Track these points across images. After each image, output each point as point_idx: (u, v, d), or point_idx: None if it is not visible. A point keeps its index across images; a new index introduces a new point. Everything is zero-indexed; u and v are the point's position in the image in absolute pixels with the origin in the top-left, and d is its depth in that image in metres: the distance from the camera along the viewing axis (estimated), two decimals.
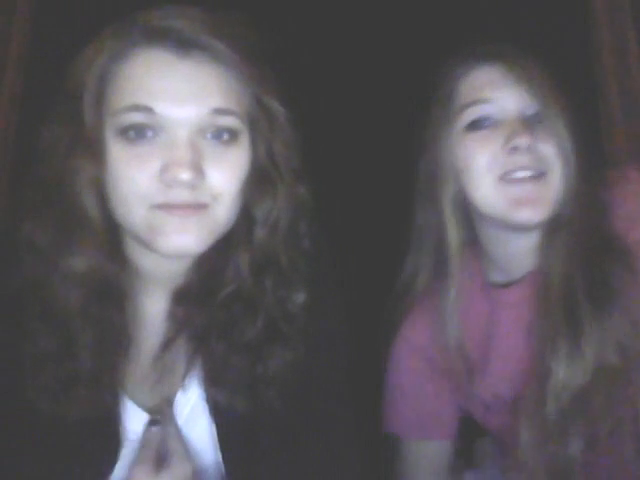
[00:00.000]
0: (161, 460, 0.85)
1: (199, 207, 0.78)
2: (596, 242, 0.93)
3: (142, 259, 0.85)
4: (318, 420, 0.89)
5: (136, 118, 0.76)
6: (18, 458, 0.81)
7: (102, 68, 0.78)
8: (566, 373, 0.90)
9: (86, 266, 0.79)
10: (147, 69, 0.77)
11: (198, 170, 0.76)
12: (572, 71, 0.99)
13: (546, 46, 1.00)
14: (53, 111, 0.81)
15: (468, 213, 1.02)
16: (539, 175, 0.93)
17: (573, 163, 0.92)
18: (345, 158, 1.69)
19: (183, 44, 0.77)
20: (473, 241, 1.05)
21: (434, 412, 1.10)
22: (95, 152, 0.77)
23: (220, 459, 0.90)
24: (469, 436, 1.17)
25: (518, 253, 1.01)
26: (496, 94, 0.96)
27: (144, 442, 0.86)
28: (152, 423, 0.87)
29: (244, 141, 0.82)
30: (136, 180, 0.76)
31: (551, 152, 0.93)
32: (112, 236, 0.82)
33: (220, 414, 0.88)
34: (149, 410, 0.88)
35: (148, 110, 0.76)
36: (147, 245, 0.79)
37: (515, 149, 0.92)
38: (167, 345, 0.87)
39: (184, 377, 0.89)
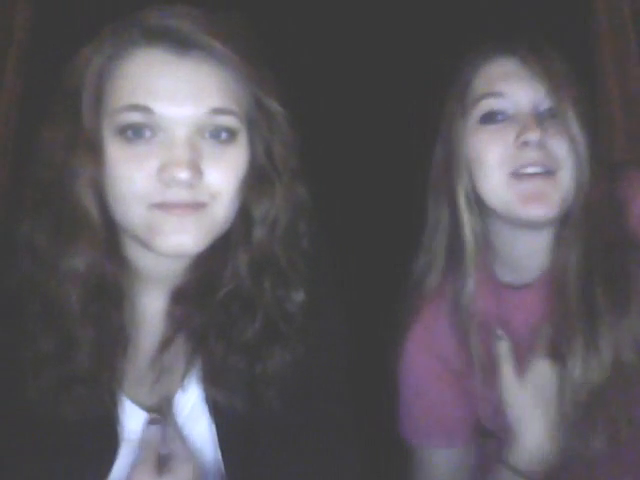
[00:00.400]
0: (162, 460, 0.85)
1: (197, 206, 0.78)
2: (611, 240, 0.93)
3: (140, 258, 0.85)
4: (317, 420, 0.89)
5: (134, 118, 0.76)
6: (17, 458, 0.81)
7: (101, 67, 0.78)
8: (583, 370, 0.89)
9: (85, 266, 0.79)
10: (146, 69, 0.77)
11: (196, 169, 0.76)
12: (572, 71, 0.98)
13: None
14: (52, 111, 0.81)
15: (480, 210, 1.01)
16: (549, 172, 0.93)
17: (585, 160, 0.92)
18: (345, 158, 1.69)
19: (182, 44, 0.77)
20: (484, 240, 1.04)
21: (454, 416, 1.06)
22: (93, 152, 0.77)
23: (220, 459, 0.90)
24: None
25: (529, 252, 1.00)
26: (510, 88, 0.95)
27: (144, 441, 0.86)
28: (152, 422, 0.87)
29: (242, 141, 0.82)
30: (134, 179, 0.76)
31: (563, 149, 0.93)
32: (111, 236, 0.82)
33: (220, 414, 0.88)
34: (148, 409, 0.89)
35: (146, 110, 0.76)
36: (145, 245, 0.80)
37: (526, 144, 0.92)
38: (165, 345, 0.87)
39: (183, 377, 0.89)
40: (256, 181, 0.83)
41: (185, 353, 0.89)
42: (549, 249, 0.99)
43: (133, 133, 0.77)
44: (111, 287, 0.82)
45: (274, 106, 0.84)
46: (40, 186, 0.80)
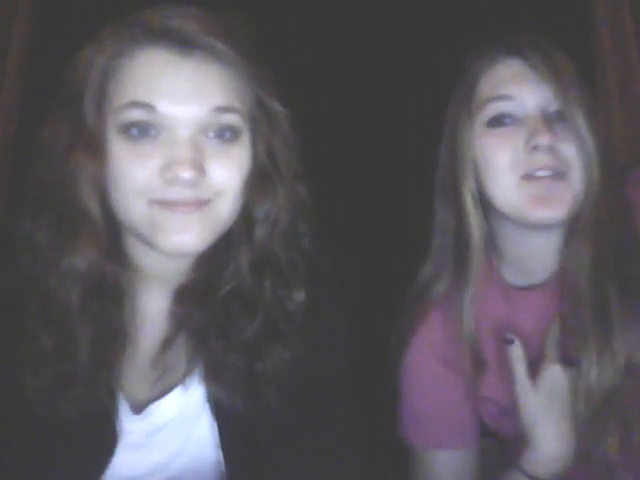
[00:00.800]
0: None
1: (201, 203, 0.78)
2: (621, 241, 0.92)
3: (143, 257, 0.86)
4: (317, 420, 0.89)
5: (137, 115, 0.77)
6: (15, 456, 0.81)
7: (103, 66, 0.78)
8: (597, 373, 0.88)
9: (85, 264, 0.79)
10: (149, 68, 0.78)
11: (199, 169, 0.77)
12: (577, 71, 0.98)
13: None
14: (53, 110, 0.81)
15: (486, 212, 1.00)
16: (560, 173, 0.92)
17: (595, 163, 0.91)
18: (345, 158, 1.69)
19: (184, 44, 0.78)
20: (491, 242, 1.03)
21: (458, 418, 1.05)
22: (96, 150, 0.77)
23: (221, 458, 0.90)
24: None
25: (538, 254, 0.99)
26: (517, 91, 0.94)
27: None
28: None
29: (245, 140, 0.82)
30: (136, 176, 0.76)
31: (572, 152, 0.92)
32: (112, 234, 0.82)
33: (222, 413, 0.88)
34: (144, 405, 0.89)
35: (149, 107, 0.76)
36: (148, 243, 0.80)
37: (536, 148, 0.91)
38: (167, 343, 0.88)
39: (185, 375, 0.89)
40: (258, 181, 0.84)
41: (186, 352, 0.89)
42: (558, 251, 0.98)
43: (138, 131, 0.77)
44: (111, 286, 0.82)
45: (276, 106, 0.84)
46: (42, 185, 0.80)
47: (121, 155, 0.77)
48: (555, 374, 0.93)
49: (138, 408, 0.88)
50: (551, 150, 0.91)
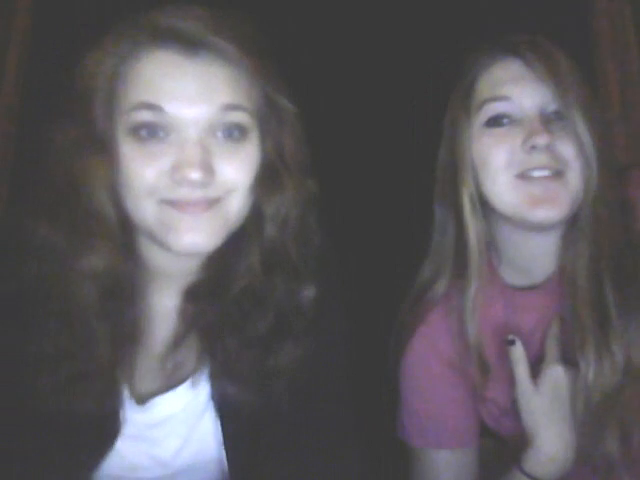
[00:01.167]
0: None
1: (211, 202, 0.79)
2: (620, 241, 0.92)
3: (154, 256, 0.86)
4: (320, 418, 0.89)
5: (146, 116, 0.77)
6: (19, 441, 0.82)
7: (112, 68, 0.79)
8: (596, 373, 0.88)
9: (101, 264, 0.80)
10: (156, 69, 0.78)
11: (208, 169, 0.77)
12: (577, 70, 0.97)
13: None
14: (63, 112, 0.82)
15: (486, 213, 1.00)
16: (557, 174, 0.92)
17: (593, 163, 0.90)
18: (345, 159, 1.69)
19: (191, 44, 0.78)
20: (490, 243, 1.03)
21: (457, 417, 1.05)
22: (106, 152, 0.78)
23: (223, 456, 0.90)
24: None
25: (537, 254, 0.99)
26: (515, 91, 0.94)
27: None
28: None
29: (254, 138, 0.83)
30: (146, 176, 0.77)
31: (570, 151, 0.91)
32: (125, 234, 0.83)
33: (226, 411, 0.89)
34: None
35: (158, 109, 0.77)
36: (159, 242, 0.81)
37: (534, 148, 0.91)
38: (178, 342, 0.88)
39: (193, 372, 0.89)
40: (267, 178, 0.84)
41: (196, 350, 0.89)
42: (557, 251, 0.98)
43: (147, 132, 0.78)
44: (126, 285, 0.83)
45: (284, 103, 0.85)
46: (55, 187, 0.81)
47: (131, 156, 0.78)
48: (556, 374, 0.93)
49: (142, 400, 0.88)
50: (549, 150, 0.91)
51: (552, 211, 0.91)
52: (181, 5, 0.81)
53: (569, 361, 0.93)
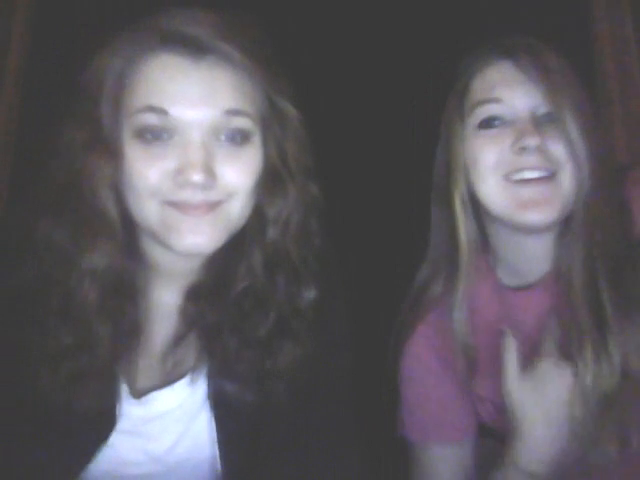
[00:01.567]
0: None
1: (213, 205, 0.80)
2: (616, 243, 0.92)
3: (157, 256, 0.87)
4: (320, 419, 0.90)
5: (151, 120, 0.78)
6: (15, 435, 0.83)
7: (118, 71, 0.80)
8: (593, 374, 0.88)
9: (104, 263, 0.81)
10: (162, 73, 0.79)
11: (210, 172, 0.78)
12: (575, 70, 0.98)
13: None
14: (68, 112, 0.83)
15: (480, 214, 1.01)
16: (549, 176, 0.92)
17: (585, 164, 0.90)
18: (345, 160, 1.69)
19: (197, 49, 0.79)
20: (485, 244, 1.04)
21: (453, 413, 1.07)
22: (112, 152, 0.79)
23: (217, 455, 0.91)
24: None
25: (531, 256, 0.99)
26: (507, 93, 0.95)
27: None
28: None
29: (256, 142, 0.84)
30: (149, 177, 0.78)
31: (562, 153, 0.92)
32: (128, 233, 0.84)
33: (221, 410, 0.90)
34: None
35: (163, 112, 0.78)
36: (161, 242, 0.82)
37: (524, 149, 0.91)
38: (178, 340, 0.89)
39: (192, 371, 0.90)
40: (269, 181, 0.85)
41: (195, 348, 0.90)
42: (551, 252, 0.98)
43: (151, 135, 0.79)
44: (127, 283, 0.84)
45: (287, 107, 0.85)
46: (59, 186, 0.82)
47: (135, 157, 0.79)
48: (548, 368, 0.93)
49: (139, 396, 0.89)
50: (540, 151, 0.91)
51: (542, 214, 0.91)
52: (187, 9, 0.82)
53: (566, 359, 0.92)
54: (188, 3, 0.82)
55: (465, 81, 1.00)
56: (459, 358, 1.01)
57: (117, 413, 0.86)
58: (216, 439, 0.90)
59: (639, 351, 0.88)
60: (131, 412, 0.88)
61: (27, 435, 0.83)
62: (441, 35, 1.69)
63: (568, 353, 0.92)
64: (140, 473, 0.92)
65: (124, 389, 0.88)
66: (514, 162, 0.93)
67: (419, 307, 1.08)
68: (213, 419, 0.90)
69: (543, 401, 0.93)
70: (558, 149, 0.92)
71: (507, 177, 0.94)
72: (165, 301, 0.91)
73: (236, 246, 0.86)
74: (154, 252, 0.87)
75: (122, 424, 0.87)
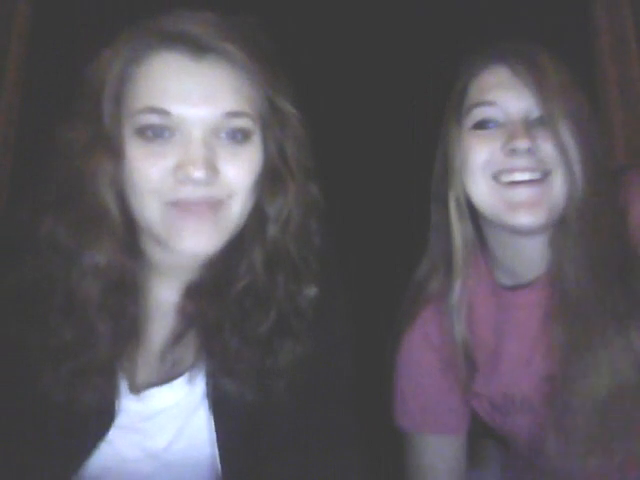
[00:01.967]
0: None
1: (214, 204, 0.81)
2: (610, 247, 0.91)
3: (157, 254, 0.88)
4: (320, 418, 0.90)
5: (153, 119, 0.79)
6: (15, 429, 0.83)
7: (120, 71, 0.81)
8: (585, 383, 0.88)
9: (106, 261, 0.81)
10: (163, 72, 0.80)
11: (212, 168, 0.79)
12: (573, 72, 0.98)
13: (546, 48, 0.99)
14: (70, 110, 0.83)
15: (476, 215, 1.02)
16: (539, 178, 0.93)
17: (577, 168, 0.91)
18: (345, 159, 1.69)
19: (198, 49, 0.80)
20: (481, 243, 1.05)
21: (445, 405, 1.09)
22: (113, 151, 0.80)
23: (216, 454, 0.91)
24: (470, 437, 1.16)
25: (525, 256, 1.00)
26: (501, 96, 0.96)
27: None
28: None
29: (256, 140, 0.84)
30: (150, 175, 0.79)
31: (553, 156, 0.92)
32: (129, 231, 0.84)
33: (220, 409, 0.90)
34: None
35: (164, 112, 0.79)
36: (163, 244, 0.82)
37: (514, 151, 0.92)
38: (177, 338, 0.90)
39: (190, 369, 0.90)
40: (270, 180, 0.86)
41: (194, 347, 0.91)
42: (545, 253, 0.99)
43: (153, 133, 0.79)
44: (129, 281, 0.84)
45: (287, 107, 0.86)
46: (61, 184, 0.82)
47: (136, 155, 0.79)
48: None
49: (137, 391, 0.89)
50: (530, 154, 0.92)
51: (532, 216, 0.92)
52: (189, 9, 0.82)
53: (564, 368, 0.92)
54: (189, 3, 0.83)
55: (463, 84, 1.02)
56: (457, 354, 1.02)
57: (116, 408, 0.87)
58: (215, 438, 0.90)
59: (631, 362, 0.87)
60: (129, 408, 0.88)
61: (27, 430, 0.83)
62: (441, 36, 1.69)
63: (563, 358, 0.92)
64: (139, 470, 0.92)
65: (124, 385, 0.88)
66: (504, 163, 0.94)
67: (417, 302, 1.09)
68: (211, 418, 0.90)
69: None
70: (550, 152, 0.92)
71: (497, 178, 0.95)
72: (164, 299, 0.92)
73: (236, 244, 0.86)
74: (154, 250, 0.87)
75: (120, 420, 0.87)
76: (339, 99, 1.73)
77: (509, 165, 0.93)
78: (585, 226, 0.92)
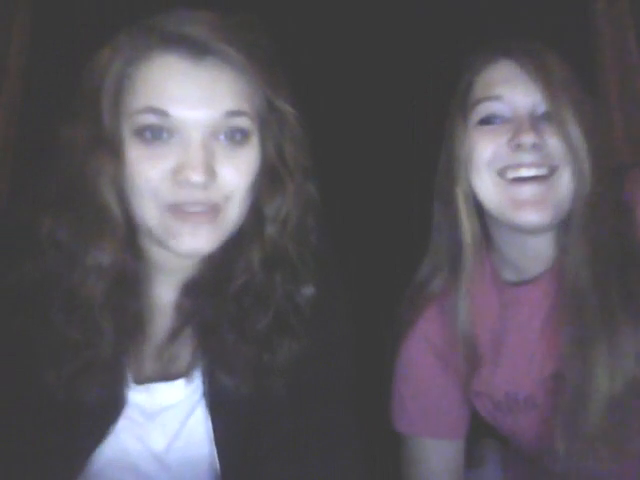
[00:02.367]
0: None
1: (212, 211, 0.81)
2: (616, 244, 0.91)
3: (155, 253, 0.88)
4: (319, 419, 0.90)
5: (151, 120, 0.79)
6: (22, 430, 0.84)
7: (119, 71, 0.81)
8: (594, 381, 0.88)
9: (108, 260, 0.81)
10: (162, 73, 0.80)
11: (210, 171, 0.79)
12: (575, 71, 0.98)
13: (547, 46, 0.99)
14: (71, 111, 0.83)
15: (481, 211, 1.01)
16: (545, 174, 0.92)
17: (585, 163, 0.90)
18: (344, 159, 1.69)
19: (197, 50, 0.80)
20: (486, 239, 1.04)
21: (445, 409, 1.08)
22: (113, 151, 0.80)
23: (215, 453, 0.91)
24: (471, 437, 1.16)
25: (530, 253, 1.00)
26: (507, 91, 0.96)
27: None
28: None
29: (255, 140, 0.84)
30: (149, 177, 0.79)
31: (560, 152, 0.92)
32: (129, 230, 0.84)
33: (218, 409, 0.90)
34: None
35: (163, 113, 0.79)
36: (161, 244, 0.83)
37: (519, 147, 0.92)
38: (174, 335, 0.90)
39: (188, 368, 0.91)
40: (268, 180, 0.86)
41: (192, 346, 0.91)
42: (551, 250, 0.98)
43: (151, 134, 0.79)
44: (130, 278, 0.85)
45: (285, 107, 0.86)
46: (61, 184, 0.82)
47: (135, 156, 0.80)
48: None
49: (141, 384, 0.90)
50: (537, 150, 0.92)
51: (537, 214, 0.92)
52: (187, 9, 0.82)
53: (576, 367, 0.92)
54: (188, 3, 0.82)
55: (467, 80, 1.01)
56: (461, 352, 1.01)
57: (125, 399, 0.87)
58: (213, 437, 0.90)
59: (637, 355, 0.87)
60: (135, 401, 0.89)
61: (33, 424, 0.83)
62: (441, 35, 1.69)
63: (575, 357, 0.91)
64: (139, 467, 0.92)
65: (129, 378, 0.89)
66: (510, 158, 0.93)
67: (418, 303, 1.09)
68: (209, 417, 0.91)
69: None
70: (556, 148, 0.92)
71: (503, 174, 0.94)
72: (163, 296, 0.92)
73: (235, 242, 0.87)
74: (152, 249, 0.88)
75: (126, 412, 0.88)
76: (339, 99, 1.73)
77: (515, 161, 0.93)
78: (591, 223, 0.91)
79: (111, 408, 0.87)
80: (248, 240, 0.87)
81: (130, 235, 0.85)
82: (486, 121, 0.97)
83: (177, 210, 0.80)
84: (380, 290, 1.36)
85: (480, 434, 1.20)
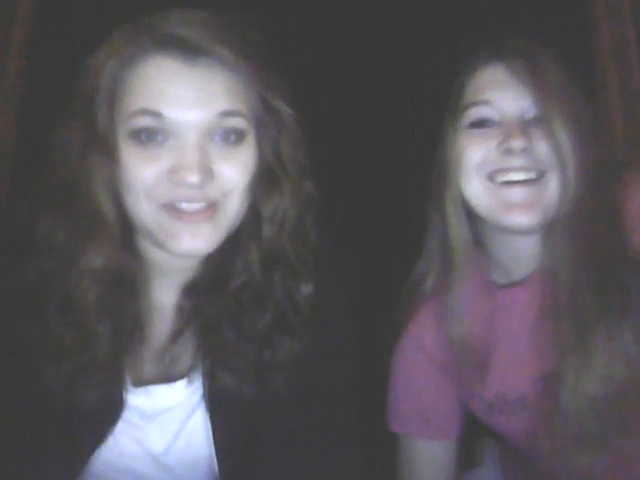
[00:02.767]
0: None
1: (209, 207, 0.81)
2: (605, 248, 0.91)
3: (153, 254, 0.88)
4: (319, 419, 0.90)
5: (146, 122, 0.79)
6: (21, 432, 0.84)
7: (114, 73, 0.80)
8: (577, 382, 0.88)
9: (103, 262, 0.81)
10: (157, 75, 0.80)
11: (206, 172, 0.79)
12: (572, 72, 0.98)
13: (545, 47, 0.99)
14: (66, 113, 0.83)
15: (471, 214, 1.02)
16: (534, 178, 0.93)
17: (571, 168, 0.91)
18: (344, 159, 1.69)
19: (191, 52, 0.79)
20: (476, 241, 1.05)
21: (438, 410, 1.09)
22: (108, 153, 0.80)
23: (214, 454, 0.91)
24: (470, 436, 1.16)
25: (519, 255, 1.00)
26: (496, 95, 0.96)
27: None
28: None
29: (251, 140, 0.84)
30: (145, 178, 0.79)
31: (549, 156, 0.92)
32: (125, 232, 0.84)
33: (218, 410, 0.90)
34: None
35: (157, 115, 0.79)
36: (160, 246, 0.83)
37: (509, 151, 0.92)
38: (175, 337, 0.90)
39: (189, 369, 0.91)
40: (265, 180, 0.86)
41: (192, 347, 0.91)
42: (538, 252, 0.99)
43: (146, 136, 0.79)
44: (127, 280, 0.85)
45: (281, 106, 0.86)
46: (57, 186, 0.82)
47: (130, 158, 0.79)
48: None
49: (140, 386, 0.90)
50: (526, 154, 0.92)
51: (526, 217, 0.92)
52: (182, 10, 0.82)
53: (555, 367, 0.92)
54: (186, 3, 0.82)
55: (460, 83, 1.02)
56: (454, 353, 1.02)
57: (124, 401, 0.87)
58: (212, 439, 0.91)
59: (623, 360, 0.87)
60: (133, 403, 0.89)
61: (33, 425, 0.84)
62: (441, 35, 1.69)
63: (554, 357, 0.92)
64: (137, 469, 0.93)
65: (128, 380, 0.89)
66: (499, 162, 0.94)
67: (411, 304, 1.10)
68: (209, 419, 0.91)
69: None
70: (545, 152, 0.92)
71: (492, 178, 0.95)
72: (162, 298, 0.92)
73: (233, 243, 0.87)
74: (151, 251, 0.88)
75: (125, 414, 0.88)
76: (338, 98, 1.73)
77: (504, 165, 0.93)
78: (578, 225, 0.91)
79: (110, 411, 0.87)
80: (246, 240, 0.87)
81: (127, 237, 0.85)
82: (476, 125, 0.97)
83: (172, 209, 0.80)
84: (380, 290, 1.35)
85: (479, 433, 1.20)
